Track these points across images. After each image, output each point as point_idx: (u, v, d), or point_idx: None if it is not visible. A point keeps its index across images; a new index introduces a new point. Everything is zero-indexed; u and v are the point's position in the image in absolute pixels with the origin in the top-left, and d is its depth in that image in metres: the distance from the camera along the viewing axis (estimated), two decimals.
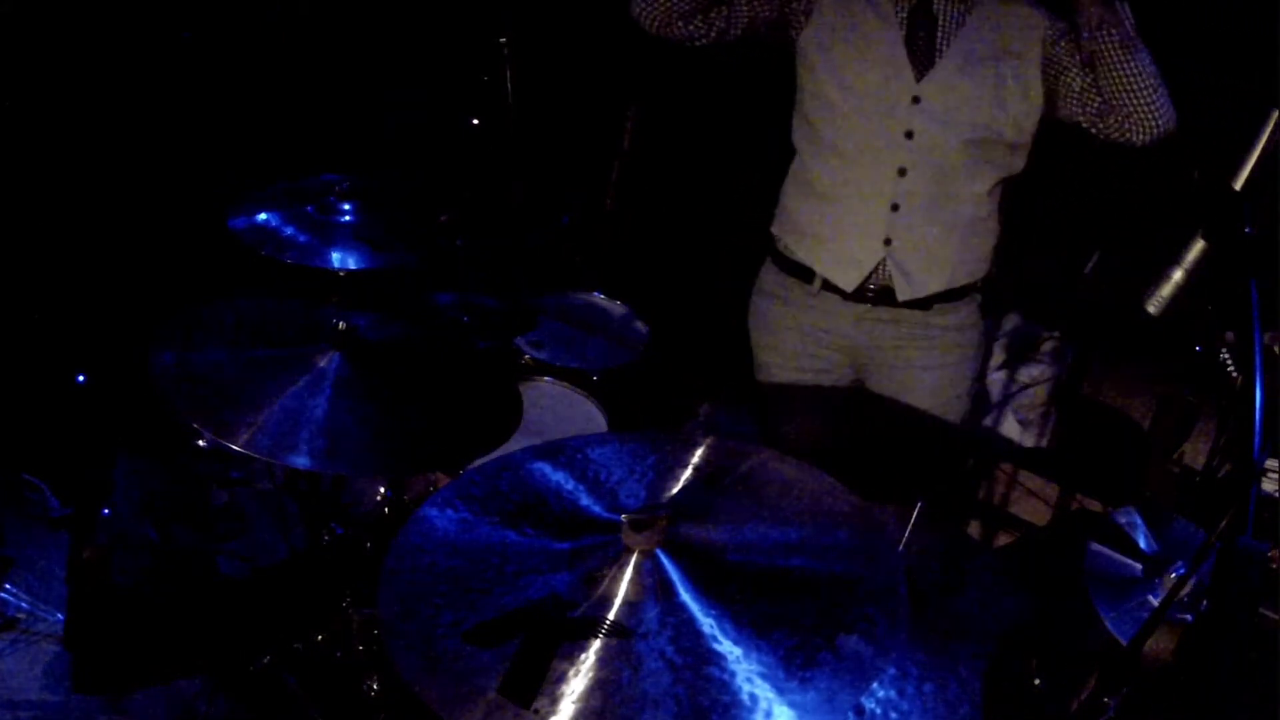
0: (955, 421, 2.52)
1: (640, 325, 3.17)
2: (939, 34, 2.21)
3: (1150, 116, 2.14)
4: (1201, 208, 1.50)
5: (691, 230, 3.96)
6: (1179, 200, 1.93)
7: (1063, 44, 2.19)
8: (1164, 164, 2.39)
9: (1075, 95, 2.21)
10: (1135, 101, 2.13)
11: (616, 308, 3.24)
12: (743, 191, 3.43)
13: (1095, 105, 2.19)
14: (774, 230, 2.50)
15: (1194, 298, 1.53)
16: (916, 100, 2.22)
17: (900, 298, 2.36)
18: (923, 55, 2.22)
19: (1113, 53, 2.11)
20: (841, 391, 2.56)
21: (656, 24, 2.28)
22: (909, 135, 2.23)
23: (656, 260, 3.87)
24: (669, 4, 2.24)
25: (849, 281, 2.37)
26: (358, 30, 3.76)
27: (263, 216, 2.69)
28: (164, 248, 3.40)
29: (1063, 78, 2.21)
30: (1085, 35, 2.14)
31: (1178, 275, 1.53)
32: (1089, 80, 2.18)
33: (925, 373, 2.46)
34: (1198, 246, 1.51)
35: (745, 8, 2.28)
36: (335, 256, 2.64)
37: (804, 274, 2.43)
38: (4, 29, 3.26)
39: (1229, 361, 2.37)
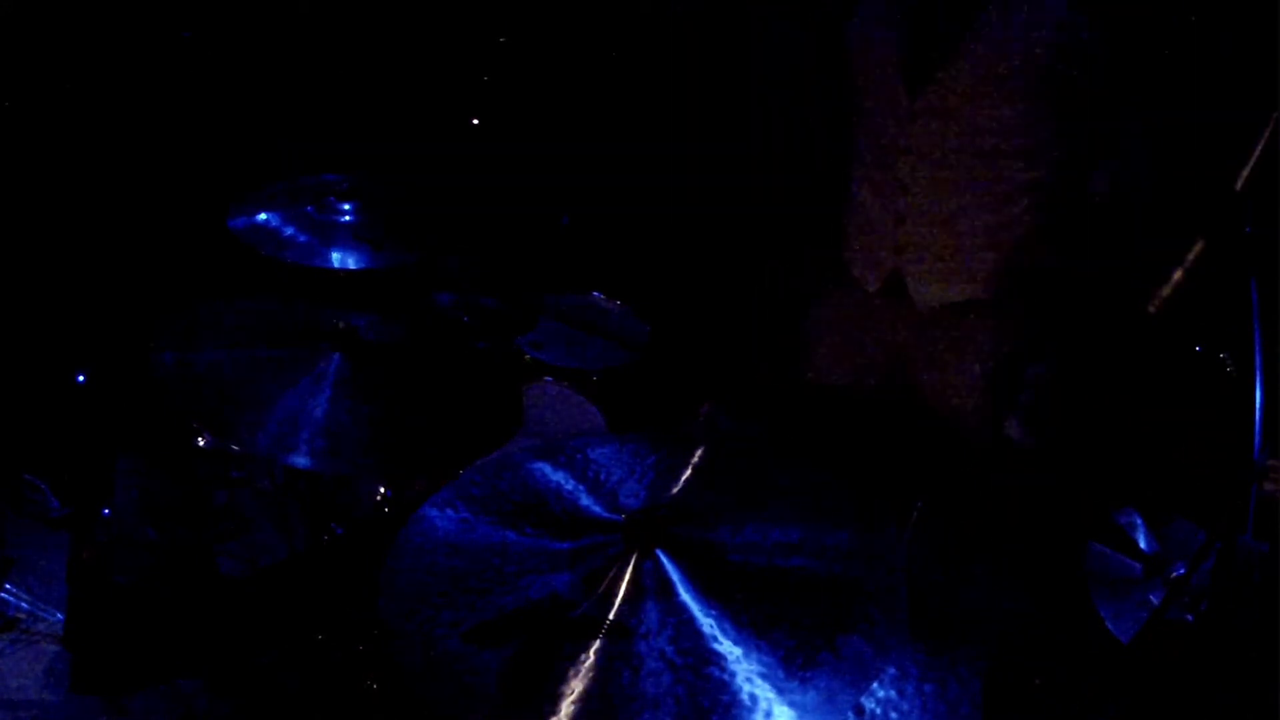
0: None
1: (640, 325, 3.17)
2: None
3: None
4: (1202, 208, 1.50)
5: (691, 230, 3.95)
6: (1181, 202, 1.94)
7: None
8: (1165, 166, 2.39)
9: None
10: None
11: (616, 308, 3.24)
12: (742, 190, 3.43)
13: None
14: None
15: (1194, 298, 1.53)
16: None
17: None
18: None
19: None
20: None
21: None
22: None
23: (656, 260, 3.87)
24: None
25: None
26: (357, 30, 3.76)
27: (263, 216, 2.69)
28: (164, 248, 3.40)
29: None
30: None
31: (1178, 275, 1.53)
32: None
33: None
34: (1198, 246, 1.50)
35: None
36: (335, 256, 2.64)
37: None
38: (4, 29, 3.26)
39: (1229, 361, 2.37)
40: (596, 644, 1.32)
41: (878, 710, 1.59)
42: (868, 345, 2.55)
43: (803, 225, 3.41)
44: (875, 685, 1.60)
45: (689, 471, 1.61)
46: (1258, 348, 1.33)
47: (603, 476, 1.61)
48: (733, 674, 1.29)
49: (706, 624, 1.35)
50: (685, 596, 1.38)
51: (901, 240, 2.38)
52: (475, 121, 3.64)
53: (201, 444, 2.87)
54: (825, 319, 2.63)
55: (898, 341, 2.51)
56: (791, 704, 1.26)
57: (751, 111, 3.24)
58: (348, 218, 2.73)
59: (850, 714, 1.56)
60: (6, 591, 2.77)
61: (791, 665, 1.30)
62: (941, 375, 2.53)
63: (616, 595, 1.38)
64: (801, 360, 2.66)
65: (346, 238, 2.69)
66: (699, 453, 1.65)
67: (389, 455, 2.00)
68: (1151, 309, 1.54)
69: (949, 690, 1.63)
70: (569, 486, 1.59)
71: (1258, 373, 1.32)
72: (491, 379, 2.30)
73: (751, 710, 1.25)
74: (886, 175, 2.37)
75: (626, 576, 1.39)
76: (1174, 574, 1.87)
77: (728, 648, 1.32)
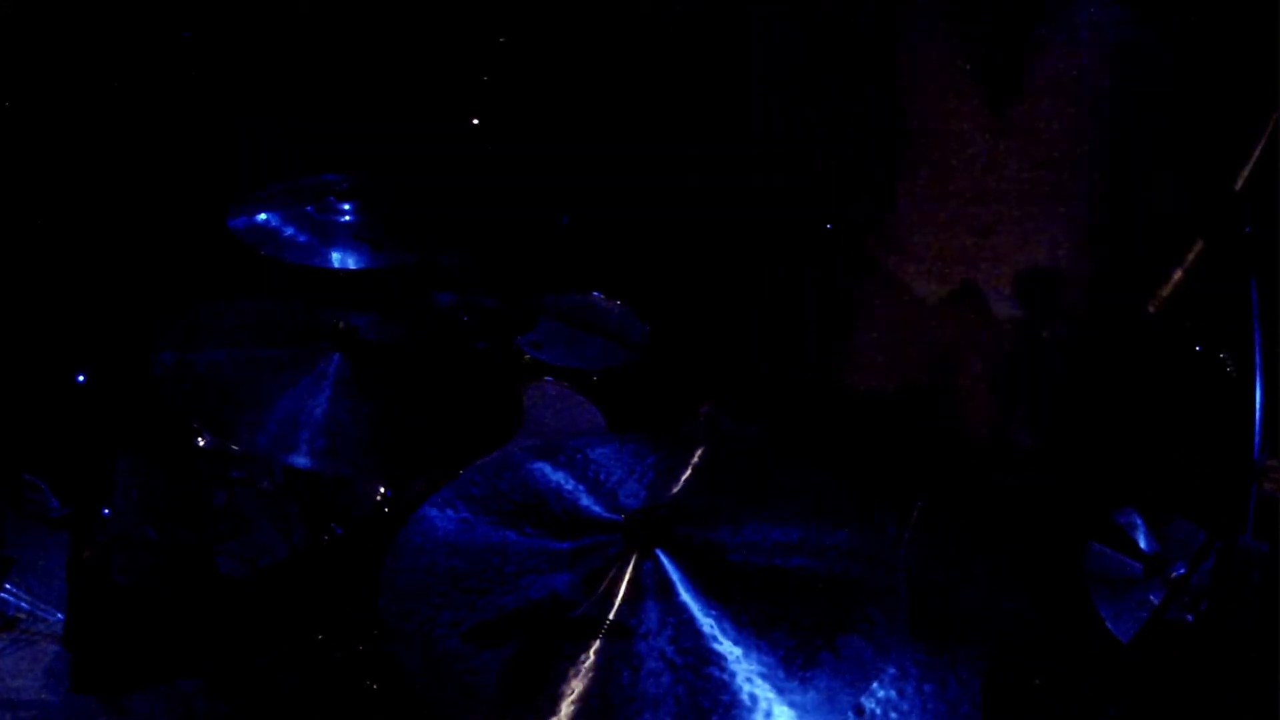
0: None
1: (640, 325, 3.17)
2: None
3: None
4: (1202, 208, 1.50)
5: (691, 230, 3.95)
6: (1181, 202, 1.94)
7: None
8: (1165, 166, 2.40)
9: None
10: None
11: (616, 308, 3.24)
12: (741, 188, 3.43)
13: None
14: None
15: (1194, 298, 1.53)
16: None
17: None
18: None
19: None
20: None
21: None
22: None
23: (657, 260, 3.87)
24: None
25: None
26: (357, 30, 3.76)
27: (263, 216, 2.69)
28: (164, 248, 3.40)
29: None
30: None
31: (1178, 275, 1.53)
32: None
33: None
34: (1197, 246, 1.50)
35: None
36: (335, 256, 2.64)
37: None
38: (4, 29, 3.26)
39: (1229, 361, 2.37)
40: (596, 644, 1.32)
41: (878, 710, 1.59)
42: (910, 347, 2.56)
43: (803, 226, 3.42)
44: (875, 685, 1.60)
45: (689, 471, 1.61)
46: (1258, 348, 1.33)
47: (603, 476, 1.61)
48: (733, 674, 1.29)
49: (706, 624, 1.35)
50: (685, 596, 1.38)
51: (978, 252, 2.41)
52: (475, 121, 3.64)
53: (201, 444, 2.87)
54: (867, 323, 2.64)
55: (944, 341, 2.53)
56: (791, 704, 1.26)
57: (751, 111, 3.24)
58: (348, 218, 2.73)
59: (850, 714, 1.56)
60: (6, 591, 2.77)
61: (791, 665, 1.30)
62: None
63: (616, 595, 1.38)
64: (843, 365, 2.68)
65: (346, 238, 2.69)
66: (699, 453, 1.65)
67: (389, 455, 2.00)
68: (1151, 309, 1.53)
69: (949, 690, 1.63)
70: (569, 486, 1.59)
71: (1258, 373, 1.32)
72: (491, 379, 2.30)
73: (751, 710, 1.25)
74: (960, 189, 2.40)
75: (626, 576, 1.39)
76: (1174, 574, 1.87)
77: (728, 648, 1.32)
